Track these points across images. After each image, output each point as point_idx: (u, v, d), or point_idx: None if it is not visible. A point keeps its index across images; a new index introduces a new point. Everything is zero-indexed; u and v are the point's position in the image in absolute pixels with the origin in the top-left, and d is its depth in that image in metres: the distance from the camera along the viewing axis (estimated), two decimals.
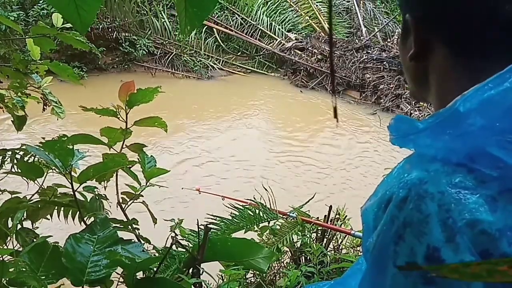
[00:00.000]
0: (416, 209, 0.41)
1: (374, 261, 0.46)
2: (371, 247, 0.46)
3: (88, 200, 1.21)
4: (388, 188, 0.46)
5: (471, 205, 0.38)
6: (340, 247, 2.02)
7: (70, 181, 1.02)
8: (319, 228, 1.96)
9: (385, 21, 9.68)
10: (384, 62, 7.44)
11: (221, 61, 8.80)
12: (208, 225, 1.10)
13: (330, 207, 2.01)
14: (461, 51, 0.48)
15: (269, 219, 1.99)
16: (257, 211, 2.00)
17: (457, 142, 0.42)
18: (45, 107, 1.59)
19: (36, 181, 1.17)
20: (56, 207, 1.21)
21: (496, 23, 0.45)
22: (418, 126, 0.45)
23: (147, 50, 8.18)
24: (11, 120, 1.47)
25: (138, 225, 1.26)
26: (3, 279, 0.79)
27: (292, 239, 1.90)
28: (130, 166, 1.22)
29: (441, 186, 0.40)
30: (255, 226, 1.95)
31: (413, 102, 6.47)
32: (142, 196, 1.30)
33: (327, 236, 2.00)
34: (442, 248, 0.38)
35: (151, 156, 1.32)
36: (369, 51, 7.86)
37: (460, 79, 0.48)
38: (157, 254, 1.34)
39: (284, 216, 2.00)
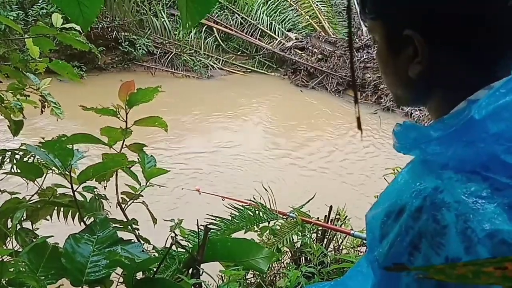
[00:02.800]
0: (433, 219, 0.40)
1: (386, 272, 0.45)
2: (381, 257, 0.45)
3: (88, 200, 1.21)
4: (398, 197, 0.45)
5: (489, 215, 0.37)
6: (341, 248, 2.02)
7: (69, 181, 1.02)
8: (319, 228, 1.95)
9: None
10: None
11: (221, 61, 8.80)
12: (208, 225, 1.09)
13: (330, 207, 2.00)
14: (476, 59, 0.46)
15: (269, 219, 1.98)
16: (257, 211, 1.99)
17: (470, 149, 0.41)
18: (43, 109, 1.58)
19: (35, 181, 1.17)
20: (55, 208, 1.21)
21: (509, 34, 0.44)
22: (431, 134, 0.44)
23: (146, 50, 8.17)
24: (8, 126, 1.45)
25: (138, 225, 1.25)
26: (2, 279, 0.78)
27: (292, 239, 1.90)
28: (130, 166, 1.21)
29: (457, 195, 0.39)
30: (255, 226, 1.95)
31: None
32: (142, 196, 1.30)
33: (327, 237, 1.99)
34: (462, 259, 0.37)
35: (151, 156, 1.31)
36: (369, 50, 7.85)
37: (473, 85, 0.46)
38: (157, 254, 1.33)
39: (284, 216, 2.00)
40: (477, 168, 0.40)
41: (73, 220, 1.22)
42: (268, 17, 9.02)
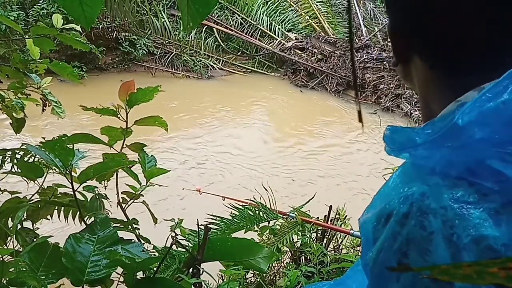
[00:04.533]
0: (419, 226, 0.40)
1: (375, 277, 0.45)
2: (371, 262, 0.45)
3: (88, 200, 1.21)
4: (387, 202, 0.45)
5: (475, 220, 0.37)
6: (340, 247, 2.02)
7: (70, 181, 1.02)
8: (319, 228, 1.96)
9: (385, 21, 9.67)
10: (384, 62, 7.44)
11: (221, 61, 8.80)
12: (208, 225, 1.09)
13: (330, 207, 2.01)
14: (437, 66, 0.47)
15: (269, 219, 1.99)
16: (257, 211, 2.00)
17: (456, 154, 0.41)
18: (44, 108, 1.59)
19: (36, 181, 1.17)
20: (56, 207, 1.21)
21: (471, 41, 0.44)
22: (415, 140, 0.44)
23: (147, 50, 8.17)
24: (10, 123, 1.47)
25: (138, 225, 1.26)
26: (3, 279, 0.79)
27: (292, 239, 1.90)
28: (130, 166, 1.22)
29: (444, 201, 0.39)
30: (255, 226, 1.95)
31: (413, 102, 6.48)
32: (143, 196, 1.30)
33: (327, 236, 2.00)
34: None
35: (152, 155, 1.32)
36: (369, 50, 7.86)
37: (440, 91, 0.47)
38: (157, 254, 1.34)
39: (284, 216, 2.00)
40: (463, 174, 0.40)
41: (73, 219, 1.22)
42: (268, 18, 9.02)
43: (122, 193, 1.30)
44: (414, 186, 0.43)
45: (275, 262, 1.91)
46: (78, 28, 1.36)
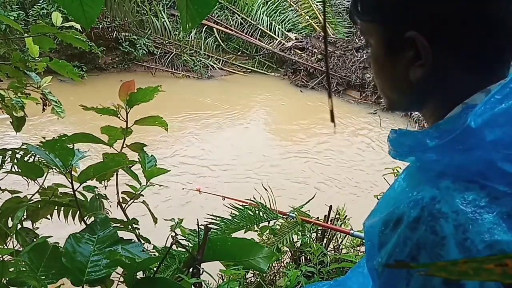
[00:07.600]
0: (431, 231, 0.39)
1: (384, 282, 0.45)
2: (380, 267, 0.45)
3: (88, 199, 1.21)
4: (395, 206, 0.44)
5: (488, 225, 0.37)
6: (340, 247, 2.02)
7: (70, 180, 1.02)
8: (319, 228, 1.95)
9: None
10: None
11: (221, 61, 8.80)
12: (208, 225, 1.09)
13: (330, 207, 2.00)
14: (478, 59, 0.46)
15: (269, 219, 1.98)
16: (257, 211, 1.99)
17: (467, 157, 0.40)
18: (44, 107, 1.59)
19: (36, 181, 1.17)
20: (56, 207, 1.21)
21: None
22: (426, 143, 0.43)
23: (147, 50, 8.17)
24: (10, 122, 1.47)
25: (138, 225, 1.26)
26: (3, 279, 0.78)
27: (292, 239, 1.90)
28: (131, 165, 1.21)
29: (455, 205, 0.39)
30: (255, 226, 1.95)
31: None
32: (143, 195, 1.30)
33: (327, 236, 2.00)
34: None
35: (152, 155, 1.32)
36: (369, 50, 7.85)
37: (468, 91, 0.46)
38: (157, 254, 1.34)
39: (284, 216, 2.00)
40: (474, 177, 0.40)
41: (73, 219, 1.22)
42: (268, 18, 9.02)
43: (122, 193, 1.30)
44: (423, 190, 0.42)
45: (275, 262, 1.90)
46: (78, 26, 1.36)
